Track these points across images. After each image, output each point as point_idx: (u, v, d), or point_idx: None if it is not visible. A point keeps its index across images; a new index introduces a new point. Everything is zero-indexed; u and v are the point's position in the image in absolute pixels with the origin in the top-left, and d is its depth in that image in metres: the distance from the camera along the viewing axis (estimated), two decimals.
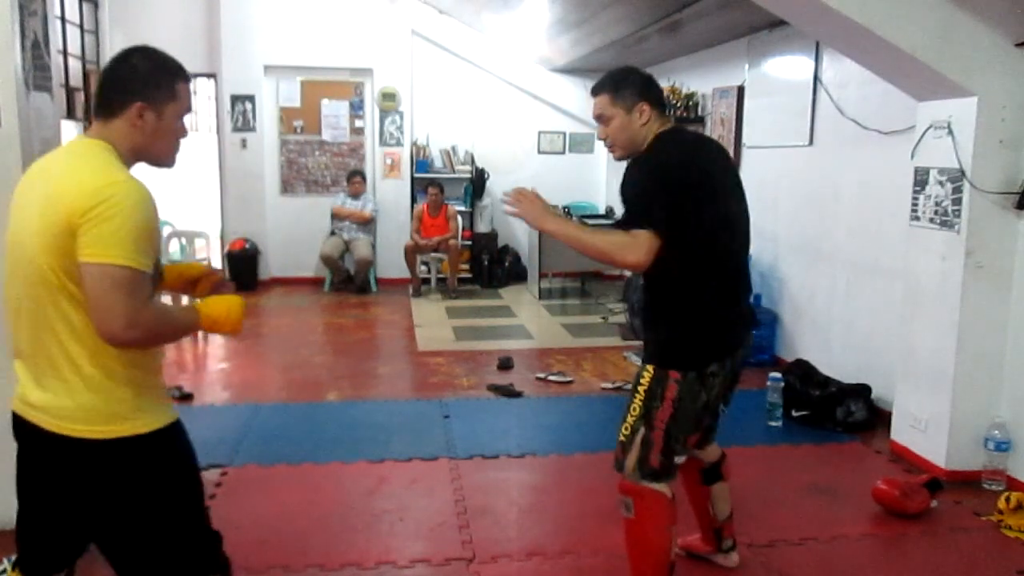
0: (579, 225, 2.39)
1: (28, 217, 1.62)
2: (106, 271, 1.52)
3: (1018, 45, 3.30)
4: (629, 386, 2.43)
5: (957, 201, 3.43)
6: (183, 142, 1.80)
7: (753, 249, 5.67)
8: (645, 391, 2.31)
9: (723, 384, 2.38)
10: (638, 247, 2.18)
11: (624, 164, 2.40)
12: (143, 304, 1.56)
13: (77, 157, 1.66)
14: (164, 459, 1.72)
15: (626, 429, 2.33)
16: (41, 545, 1.77)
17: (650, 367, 2.32)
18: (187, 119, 1.78)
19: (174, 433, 1.74)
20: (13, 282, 1.66)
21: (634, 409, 2.32)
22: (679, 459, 2.38)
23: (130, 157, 1.71)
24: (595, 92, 2.40)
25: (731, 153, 6.08)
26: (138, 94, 1.66)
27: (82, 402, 1.62)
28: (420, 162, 8.53)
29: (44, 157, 1.76)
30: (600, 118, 2.39)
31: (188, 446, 1.79)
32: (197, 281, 2.04)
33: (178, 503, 1.74)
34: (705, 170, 2.31)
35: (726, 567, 2.77)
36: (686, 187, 2.22)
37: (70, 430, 1.62)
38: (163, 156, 1.77)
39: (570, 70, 8.53)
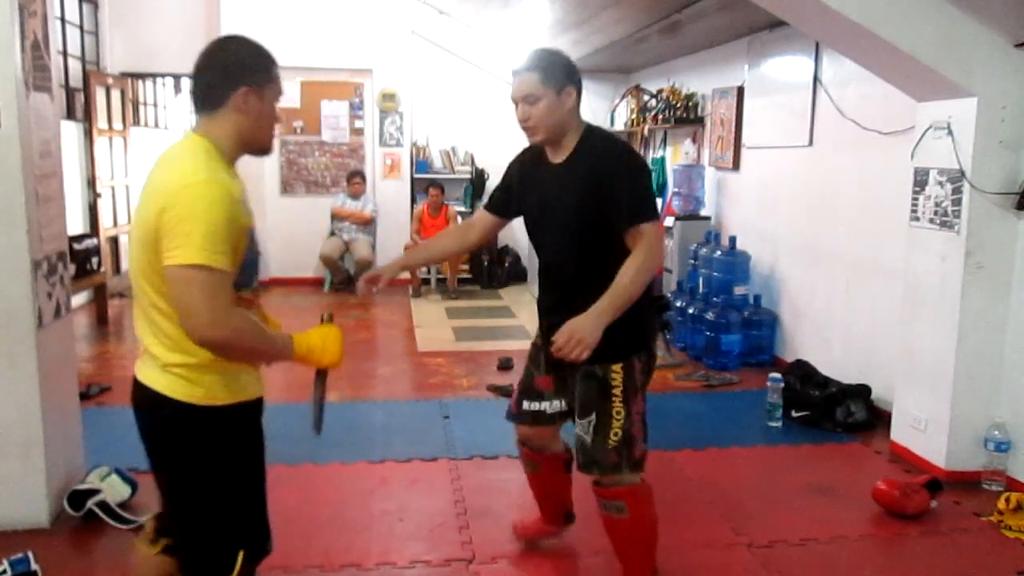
0: (620, 287, 2.16)
1: (136, 210, 1.68)
2: (184, 273, 1.52)
3: (1018, 45, 3.29)
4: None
5: (957, 202, 3.43)
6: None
7: (753, 250, 5.74)
8: (621, 391, 2.29)
9: None
10: (655, 245, 2.20)
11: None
12: (225, 303, 1.56)
13: (174, 156, 1.68)
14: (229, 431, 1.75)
15: (614, 435, 2.29)
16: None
17: (616, 366, 2.28)
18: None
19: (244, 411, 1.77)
20: (130, 267, 1.71)
21: (616, 413, 2.29)
22: None
23: (235, 150, 1.72)
24: (521, 71, 2.23)
25: (731, 153, 6.09)
26: (242, 79, 1.67)
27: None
28: (420, 163, 8.54)
29: (167, 147, 1.76)
30: (526, 98, 2.23)
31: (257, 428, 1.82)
32: None
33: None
34: None
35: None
36: None
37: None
38: (266, 142, 1.79)
39: None
